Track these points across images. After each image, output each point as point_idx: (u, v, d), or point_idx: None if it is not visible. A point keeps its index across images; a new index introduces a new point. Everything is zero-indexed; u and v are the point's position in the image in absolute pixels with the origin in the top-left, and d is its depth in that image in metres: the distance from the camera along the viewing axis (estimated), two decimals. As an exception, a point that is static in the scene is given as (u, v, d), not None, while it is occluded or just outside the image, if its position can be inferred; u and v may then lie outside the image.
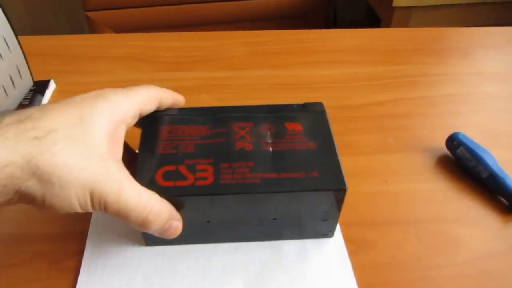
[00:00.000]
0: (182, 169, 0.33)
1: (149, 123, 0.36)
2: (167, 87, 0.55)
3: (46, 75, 0.56)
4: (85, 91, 0.53)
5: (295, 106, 0.39)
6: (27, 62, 0.53)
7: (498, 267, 0.38)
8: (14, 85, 0.51)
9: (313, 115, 0.38)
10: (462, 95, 0.56)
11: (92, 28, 1.17)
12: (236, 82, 0.56)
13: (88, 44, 0.62)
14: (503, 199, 0.43)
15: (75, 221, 0.39)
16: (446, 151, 0.47)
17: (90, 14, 1.15)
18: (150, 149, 0.35)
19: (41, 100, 0.52)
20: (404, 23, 1.02)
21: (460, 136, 0.45)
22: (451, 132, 0.47)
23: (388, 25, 1.03)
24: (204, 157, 0.34)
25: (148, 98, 0.35)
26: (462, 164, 0.45)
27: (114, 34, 0.64)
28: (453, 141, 0.46)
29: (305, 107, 0.39)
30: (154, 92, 0.36)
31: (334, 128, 0.50)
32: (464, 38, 0.67)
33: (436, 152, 0.48)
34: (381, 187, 0.44)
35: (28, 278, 0.36)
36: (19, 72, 0.52)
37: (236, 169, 0.34)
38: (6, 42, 0.49)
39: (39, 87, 0.54)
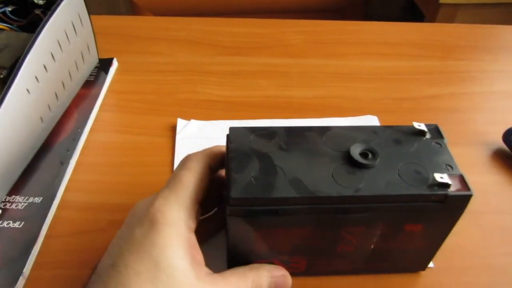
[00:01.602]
0: (276, 261, 0.33)
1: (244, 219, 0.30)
2: (227, 71, 0.57)
3: (109, 54, 0.58)
4: (146, 71, 0.56)
5: (431, 202, 0.29)
6: (95, 40, 0.55)
7: (558, 259, 0.39)
8: (83, 61, 0.53)
9: (447, 213, 0.31)
10: (518, 92, 0.56)
11: (132, 10, 1.19)
12: (294, 69, 0.57)
13: (149, 25, 0.64)
14: None
15: (145, 194, 0.42)
16: (502, 145, 0.48)
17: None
18: (242, 244, 0.31)
19: (105, 77, 0.54)
20: (449, 21, 1.02)
21: (519, 131, 0.46)
22: (507, 127, 0.47)
23: (432, 21, 1.03)
24: (300, 255, 0.33)
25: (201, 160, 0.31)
26: (521, 159, 0.46)
27: (172, 17, 0.66)
28: (511, 136, 0.46)
29: (444, 202, 0.29)
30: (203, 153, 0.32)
31: (393, 119, 0.52)
32: (518, 37, 0.67)
33: (493, 146, 0.48)
34: (441, 176, 0.45)
35: (105, 244, 0.38)
36: (88, 48, 0.54)
37: (331, 263, 0.34)
38: (80, 18, 0.51)
39: (103, 65, 0.56)
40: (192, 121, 0.48)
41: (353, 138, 0.32)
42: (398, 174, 0.30)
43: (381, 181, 0.29)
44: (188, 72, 0.56)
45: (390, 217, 0.30)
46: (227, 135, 0.32)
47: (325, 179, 0.29)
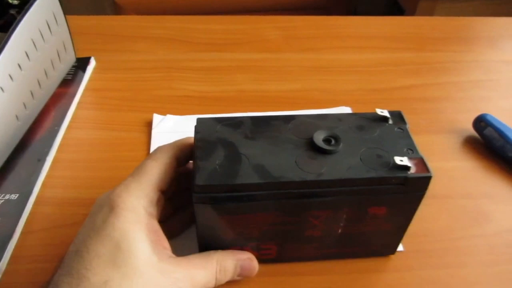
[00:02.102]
0: (247, 249, 0.34)
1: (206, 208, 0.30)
2: (203, 67, 0.57)
3: (87, 53, 0.58)
4: (124, 69, 0.57)
5: (392, 185, 0.30)
6: (71, 39, 0.56)
7: (524, 240, 0.40)
8: (60, 60, 0.53)
9: (409, 196, 0.32)
10: (490, 81, 0.58)
11: (116, 11, 1.20)
12: (271, 64, 0.58)
13: (128, 24, 0.65)
14: (530, 178, 0.45)
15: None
16: (473, 132, 0.49)
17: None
18: (211, 232, 0.32)
19: (82, 76, 0.55)
20: (428, 15, 1.03)
21: (487, 117, 0.47)
22: (477, 115, 0.49)
23: (412, 15, 1.04)
24: (269, 240, 0.33)
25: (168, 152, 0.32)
26: (489, 144, 0.47)
27: (151, 16, 0.67)
28: (481, 122, 0.48)
29: (405, 184, 0.30)
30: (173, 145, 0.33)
31: (366, 109, 0.52)
32: (491, 27, 0.69)
33: (464, 133, 0.49)
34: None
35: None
36: (64, 47, 0.55)
37: (300, 248, 0.35)
38: (55, 18, 0.51)
39: (81, 64, 0.57)
40: (168, 116, 0.49)
41: (317, 126, 0.33)
42: (360, 159, 0.31)
43: (343, 165, 0.30)
44: (165, 69, 0.57)
45: (353, 201, 0.31)
46: (195, 126, 0.33)
47: (288, 165, 0.30)
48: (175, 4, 1.21)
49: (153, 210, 0.30)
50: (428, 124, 0.51)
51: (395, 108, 0.52)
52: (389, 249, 0.37)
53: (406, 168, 0.30)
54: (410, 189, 0.31)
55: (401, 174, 0.30)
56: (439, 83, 0.57)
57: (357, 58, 0.60)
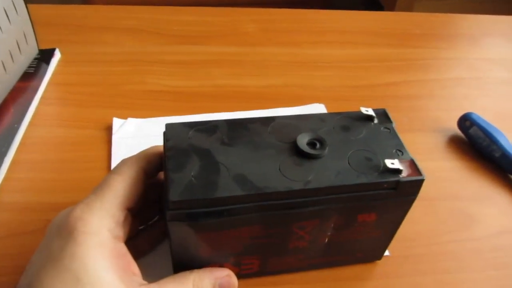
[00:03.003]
0: (226, 265, 0.31)
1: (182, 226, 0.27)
2: (177, 61, 0.54)
3: (51, 44, 0.54)
4: (92, 61, 0.53)
5: (383, 190, 0.28)
6: (33, 29, 0.52)
7: (510, 242, 0.38)
8: (20, 51, 0.49)
9: (400, 200, 0.30)
10: (473, 79, 0.56)
11: (85, 1, 1.15)
12: (248, 58, 0.56)
13: (95, 14, 0.61)
14: (516, 178, 0.43)
15: (86, 192, 0.39)
16: (457, 131, 0.48)
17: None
18: (187, 251, 0.29)
19: (46, 68, 0.51)
20: (407, 9, 1.02)
21: (473, 116, 0.46)
22: (462, 114, 0.47)
23: (391, 10, 1.03)
24: (251, 255, 0.31)
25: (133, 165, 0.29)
26: (475, 144, 0.45)
27: (121, 6, 0.63)
28: (466, 121, 0.46)
29: (397, 189, 0.28)
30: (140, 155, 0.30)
31: (347, 106, 0.51)
32: (472, 25, 0.68)
33: (448, 132, 0.48)
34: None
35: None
36: (25, 38, 0.50)
37: (284, 261, 0.32)
38: (14, 6, 0.47)
39: (44, 56, 0.53)
40: (129, 119, 0.45)
41: (299, 128, 0.30)
42: (348, 163, 0.28)
43: (331, 171, 0.27)
44: (137, 62, 0.53)
45: (342, 208, 0.29)
46: (164, 133, 0.29)
47: (271, 173, 0.27)
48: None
49: (119, 232, 0.26)
50: (411, 122, 0.49)
51: (377, 105, 0.50)
52: (376, 255, 0.35)
53: (398, 171, 0.28)
54: (402, 194, 0.29)
55: (393, 178, 0.28)
56: (421, 80, 0.55)
57: (338, 53, 0.58)
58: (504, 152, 0.43)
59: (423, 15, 0.68)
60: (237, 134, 0.29)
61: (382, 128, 0.31)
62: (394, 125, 0.32)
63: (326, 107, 0.49)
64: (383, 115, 0.32)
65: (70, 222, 0.25)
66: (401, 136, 0.47)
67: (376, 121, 0.32)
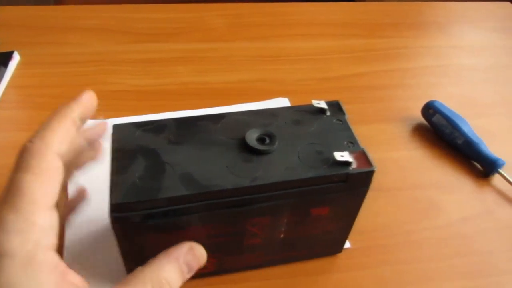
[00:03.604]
0: None
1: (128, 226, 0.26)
2: (142, 59, 0.54)
3: (11, 47, 0.53)
4: (54, 63, 0.52)
5: (334, 183, 0.28)
6: (-8, 32, 0.51)
7: (474, 229, 0.39)
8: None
9: (352, 192, 0.29)
10: (440, 66, 0.57)
11: (59, 2, 1.13)
12: (215, 54, 0.55)
13: (57, 15, 0.60)
14: (477, 165, 0.43)
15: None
16: (422, 120, 0.48)
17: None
18: (136, 253, 0.28)
19: (4, 72, 0.50)
20: (378, 0, 1.02)
21: (436, 104, 0.46)
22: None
23: (362, 1, 1.03)
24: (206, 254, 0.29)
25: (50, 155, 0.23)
26: (438, 132, 0.46)
27: (85, 6, 0.62)
28: (429, 109, 0.46)
29: (347, 181, 0.28)
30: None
31: (311, 100, 0.50)
32: (440, 12, 0.68)
33: (413, 121, 0.48)
34: (361, 155, 0.44)
35: None
36: (-16, 42, 0.50)
37: (241, 258, 0.32)
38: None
39: (2, 59, 0.52)
40: (90, 121, 0.44)
41: (250, 123, 0.30)
42: (298, 157, 0.28)
43: (280, 166, 0.27)
44: (101, 62, 0.53)
45: (294, 203, 0.28)
46: (111, 134, 0.29)
47: (219, 171, 0.27)
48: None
49: (47, 240, 0.22)
50: (377, 112, 0.49)
51: (344, 97, 0.50)
52: (336, 248, 0.35)
53: (347, 163, 0.28)
54: (353, 186, 0.29)
55: (342, 171, 0.27)
56: (388, 70, 0.55)
57: (306, 46, 0.58)
58: (466, 139, 0.43)
59: (392, 4, 0.68)
60: (186, 133, 0.29)
61: (334, 121, 0.31)
62: (347, 117, 0.31)
63: (291, 100, 0.49)
64: (336, 107, 0.32)
65: None
66: (367, 127, 0.47)
67: (328, 113, 0.31)
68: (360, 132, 0.46)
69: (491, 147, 0.44)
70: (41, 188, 0.22)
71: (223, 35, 0.58)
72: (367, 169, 0.28)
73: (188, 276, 0.26)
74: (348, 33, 0.61)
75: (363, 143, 0.45)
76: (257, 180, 0.26)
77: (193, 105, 0.47)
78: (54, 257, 0.22)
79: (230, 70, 0.53)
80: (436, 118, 0.45)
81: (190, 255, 0.26)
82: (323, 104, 0.31)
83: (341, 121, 0.31)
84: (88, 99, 0.27)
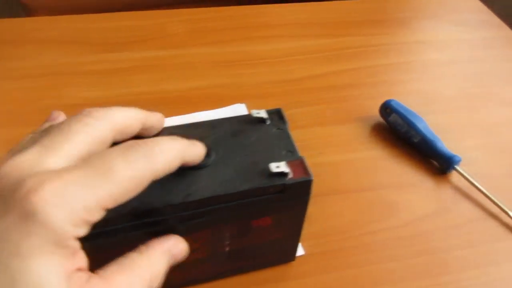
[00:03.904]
0: None
1: None
2: (99, 70, 0.53)
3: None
4: (4, 78, 0.51)
5: (271, 194, 0.27)
6: None
7: (432, 227, 0.39)
8: None
9: (293, 202, 0.29)
10: (403, 63, 0.56)
11: (27, 13, 1.11)
12: (173, 61, 0.54)
13: (10, 28, 0.58)
14: (434, 162, 0.43)
15: None
16: (381, 119, 0.48)
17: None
18: None
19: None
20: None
21: (392, 103, 0.46)
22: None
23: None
24: None
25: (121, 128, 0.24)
26: (395, 131, 0.45)
27: (41, 17, 0.61)
28: (386, 109, 0.46)
29: (285, 192, 0.28)
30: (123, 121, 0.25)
31: (272, 103, 0.50)
32: (404, 7, 0.68)
33: (372, 121, 0.48)
34: (317, 159, 0.43)
35: None
36: None
37: (188, 273, 0.31)
38: None
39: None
40: None
41: (187, 137, 0.29)
42: (234, 170, 0.27)
43: (215, 180, 0.27)
44: (55, 75, 0.52)
45: (233, 216, 0.28)
46: None
47: (151, 189, 0.26)
48: (90, 2, 1.13)
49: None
50: (336, 113, 0.49)
51: (303, 99, 0.50)
52: (288, 256, 0.35)
53: (284, 174, 0.27)
54: (292, 196, 0.28)
55: (278, 182, 0.27)
56: (350, 69, 0.55)
57: (265, 48, 0.57)
58: (422, 137, 0.43)
59: (353, 3, 0.67)
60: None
61: (274, 130, 0.30)
62: (288, 125, 0.31)
63: (249, 105, 0.48)
64: (277, 116, 0.31)
65: (32, 202, 0.18)
66: (325, 128, 0.47)
67: (268, 122, 0.31)
68: (318, 134, 0.46)
69: (450, 143, 0.44)
70: None
71: (182, 41, 0.58)
72: (304, 178, 0.27)
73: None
74: (309, 33, 0.61)
75: (320, 144, 0.45)
76: (191, 196, 0.26)
77: (149, 115, 0.47)
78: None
79: (188, 77, 0.52)
80: (393, 118, 0.45)
81: (179, 249, 0.26)
82: (262, 114, 0.31)
83: (281, 129, 0.30)
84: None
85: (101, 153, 0.21)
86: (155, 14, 0.62)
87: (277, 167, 0.27)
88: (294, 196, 0.28)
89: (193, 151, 0.26)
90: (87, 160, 0.21)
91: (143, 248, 0.24)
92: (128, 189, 0.21)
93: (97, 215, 0.20)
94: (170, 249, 0.25)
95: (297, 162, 0.28)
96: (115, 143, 0.25)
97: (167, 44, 0.57)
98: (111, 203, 0.21)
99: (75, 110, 0.47)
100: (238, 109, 0.47)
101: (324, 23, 0.63)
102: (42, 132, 0.23)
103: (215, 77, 0.53)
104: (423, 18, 0.66)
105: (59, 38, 0.57)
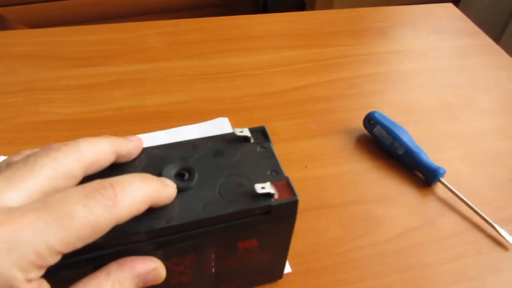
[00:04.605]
0: None
1: None
2: (76, 85, 0.51)
3: None
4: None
5: (257, 216, 0.27)
6: None
7: (417, 241, 0.38)
8: None
9: (279, 223, 0.28)
10: (381, 74, 0.56)
11: (4, 25, 1.09)
12: (152, 75, 0.53)
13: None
14: (419, 174, 0.43)
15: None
16: (365, 131, 0.47)
17: (0, 10, 1.07)
18: None
19: None
20: (328, 6, 1.02)
21: (376, 115, 0.45)
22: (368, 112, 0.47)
23: (312, 8, 1.03)
24: None
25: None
26: (380, 143, 0.45)
27: (16, 31, 0.59)
28: (370, 121, 0.46)
29: (270, 213, 0.27)
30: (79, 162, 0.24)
31: (254, 116, 0.49)
32: (382, 17, 0.68)
33: (356, 133, 0.48)
34: (301, 173, 0.43)
35: None
36: None
37: None
38: None
39: None
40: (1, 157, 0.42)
41: (169, 158, 0.28)
42: (218, 192, 0.27)
43: (199, 203, 0.26)
44: (31, 91, 0.50)
45: (218, 240, 0.27)
46: None
47: None
48: (65, 12, 1.11)
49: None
50: (319, 126, 0.48)
51: (284, 112, 0.50)
52: (275, 275, 0.34)
53: (269, 195, 0.27)
54: (278, 216, 0.27)
55: (263, 203, 0.26)
56: (330, 81, 0.55)
57: (246, 61, 0.57)
58: (406, 149, 0.43)
59: (333, 12, 0.67)
60: (98, 174, 0.27)
61: (258, 149, 0.30)
62: (272, 143, 0.30)
63: (231, 119, 0.47)
64: (261, 134, 0.31)
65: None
66: (308, 142, 0.46)
67: (252, 140, 0.30)
68: (301, 147, 0.46)
69: (433, 155, 0.44)
70: None
71: (161, 54, 0.57)
72: (289, 199, 0.27)
73: None
74: (288, 44, 0.60)
75: (304, 158, 0.44)
76: (173, 220, 0.25)
77: (129, 131, 0.46)
78: None
79: (168, 91, 0.51)
80: (377, 130, 0.45)
81: (151, 275, 0.24)
82: (246, 132, 0.30)
83: (265, 148, 0.30)
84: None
85: (61, 195, 0.20)
86: (133, 26, 0.61)
87: (262, 188, 0.26)
88: (280, 216, 0.28)
89: (163, 193, 0.25)
90: (46, 201, 0.20)
91: (112, 268, 0.23)
92: (86, 236, 0.20)
93: (50, 260, 0.20)
94: (143, 273, 0.24)
95: (282, 182, 0.28)
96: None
97: (145, 57, 0.56)
98: (66, 249, 0.20)
99: (54, 126, 0.46)
100: (221, 123, 0.46)
101: (302, 34, 0.63)
102: (10, 165, 0.22)
103: (195, 90, 0.52)
104: (401, 27, 0.66)
105: (34, 53, 0.55)
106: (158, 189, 0.24)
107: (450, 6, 0.72)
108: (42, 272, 0.20)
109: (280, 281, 0.35)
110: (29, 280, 0.19)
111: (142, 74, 0.53)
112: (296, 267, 0.35)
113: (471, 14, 0.74)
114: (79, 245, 0.20)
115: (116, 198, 0.21)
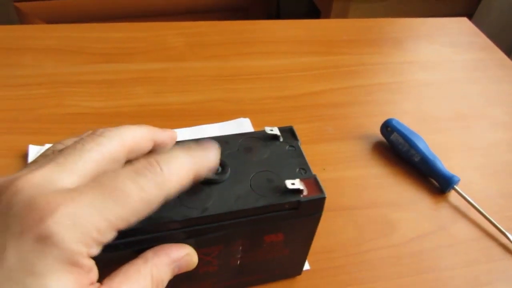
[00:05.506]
0: None
1: None
2: (99, 80, 0.53)
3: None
4: (5, 86, 0.51)
5: (286, 210, 0.28)
6: None
7: (430, 245, 0.39)
8: None
9: (305, 219, 0.29)
10: (396, 83, 0.58)
11: (22, 20, 1.10)
12: (173, 74, 0.55)
13: (9, 35, 0.58)
14: (434, 181, 0.44)
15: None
16: (381, 137, 0.49)
17: (19, 5, 1.08)
18: None
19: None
20: (343, 15, 1.04)
21: (393, 122, 0.47)
22: (385, 120, 0.48)
23: (327, 16, 1.05)
24: None
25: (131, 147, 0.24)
26: (396, 150, 0.46)
27: (41, 25, 0.61)
28: (387, 128, 0.47)
29: (298, 208, 0.28)
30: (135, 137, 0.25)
31: (273, 118, 0.51)
32: (398, 28, 0.69)
33: (372, 139, 0.49)
34: (319, 175, 0.43)
35: None
36: None
37: (198, 286, 0.31)
38: None
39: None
40: (47, 146, 0.43)
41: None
42: (250, 186, 0.28)
43: (231, 196, 0.27)
44: (56, 84, 0.51)
45: (247, 232, 0.28)
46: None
47: (169, 202, 0.26)
48: (82, 9, 1.13)
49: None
50: (336, 130, 0.50)
51: (302, 115, 0.51)
52: (295, 271, 0.35)
53: (299, 191, 0.28)
54: (305, 212, 0.29)
55: (293, 199, 0.27)
56: (346, 88, 0.56)
57: (264, 64, 0.58)
58: (422, 157, 0.44)
59: (350, 21, 0.69)
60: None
61: (287, 147, 0.31)
62: (300, 142, 0.31)
63: (250, 120, 0.48)
64: (289, 133, 0.32)
65: (44, 227, 0.19)
66: (326, 145, 0.47)
67: (281, 139, 0.31)
68: (319, 150, 0.47)
69: (447, 163, 0.45)
70: None
71: (182, 54, 0.58)
72: (317, 196, 0.28)
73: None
74: (306, 50, 0.62)
75: (322, 161, 0.45)
76: (208, 211, 0.26)
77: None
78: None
79: (189, 90, 0.52)
80: (394, 137, 0.46)
81: (185, 260, 0.26)
82: (276, 131, 0.31)
83: (294, 147, 0.31)
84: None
85: (112, 174, 0.22)
86: (154, 26, 0.62)
87: (292, 184, 0.28)
88: (307, 213, 0.29)
89: (206, 161, 0.25)
90: (99, 180, 0.21)
91: (149, 255, 0.24)
92: (139, 211, 0.21)
93: (108, 236, 0.21)
94: (177, 259, 0.25)
95: (310, 180, 0.29)
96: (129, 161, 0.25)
97: (166, 56, 0.57)
98: (122, 225, 0.21)
99: (78, 119, 0.47)
100: (242, 123, 0.47)
101: (319, 40, 0.64)
102: (57, 152, 0.24)
103: (215, 91, 0.53)
104: (416, 39, 0.67)
105: (58, 47, 0.56)
106: (201, 160, 0.25)
107: (464, 20, 0.74)
108: (100, 248, 0.21)
109: (299, 277, 0.36)
110: (90, 256, 0.20)
111: (164, 73, 0.55)
112: (314, 265, 0.36)
113: (484, 27, 0.75)
114: (133, 220, 0.21)
115: (163, 173, 0.22)
